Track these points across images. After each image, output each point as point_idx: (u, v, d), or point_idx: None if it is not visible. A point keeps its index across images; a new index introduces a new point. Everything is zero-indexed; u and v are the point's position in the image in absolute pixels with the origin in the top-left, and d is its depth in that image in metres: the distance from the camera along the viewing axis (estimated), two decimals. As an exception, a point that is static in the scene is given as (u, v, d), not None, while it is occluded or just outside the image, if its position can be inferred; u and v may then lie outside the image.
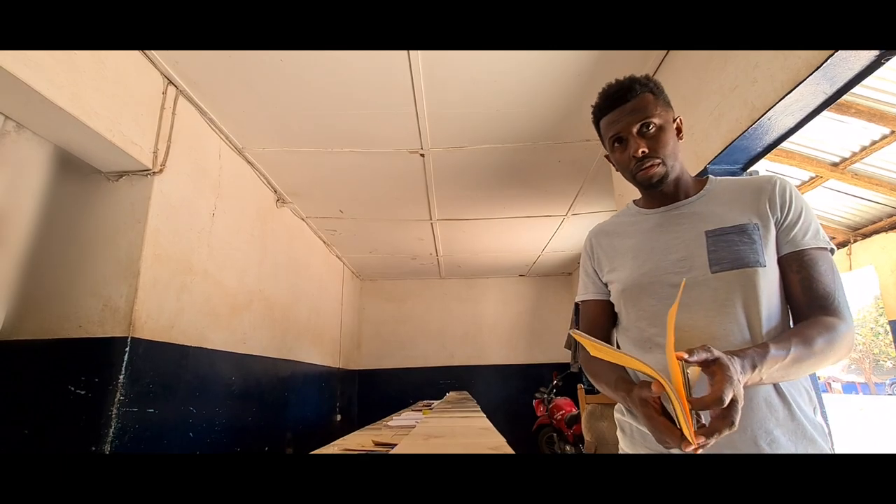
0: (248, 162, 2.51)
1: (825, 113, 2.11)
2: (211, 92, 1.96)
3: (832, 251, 0.79)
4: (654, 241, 0.88)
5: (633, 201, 0.99)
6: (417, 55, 1.75)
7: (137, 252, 1.68)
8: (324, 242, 3.91)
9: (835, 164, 2.73)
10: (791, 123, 1.40)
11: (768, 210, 0.80)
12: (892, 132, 2.37)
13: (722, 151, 1.54)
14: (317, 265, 3.81)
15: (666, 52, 1.78)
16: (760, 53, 1.33)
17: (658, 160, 0.85)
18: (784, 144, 2.20)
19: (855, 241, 3.74)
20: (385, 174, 2.69)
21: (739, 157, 1.57)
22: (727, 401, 0.55)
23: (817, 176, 2.95)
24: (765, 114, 1.33)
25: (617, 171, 0.94)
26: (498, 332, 5.40)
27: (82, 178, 1.76)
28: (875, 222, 3.51)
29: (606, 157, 0.97)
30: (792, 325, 0.78)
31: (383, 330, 5.37)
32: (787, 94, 1.24)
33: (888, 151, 2.53)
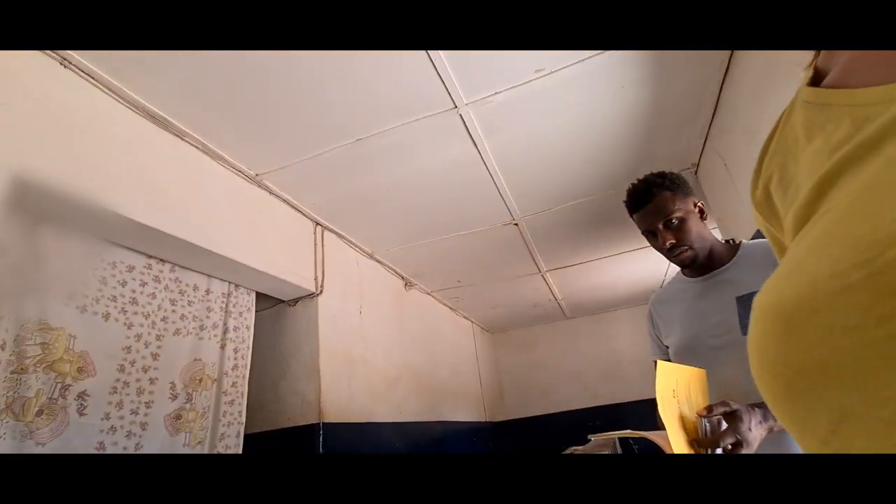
0: (378, 261, 3.09)
1: None
2: (345, 221, 2.57)
3: None
4: (696, 307, 1.04)
5: (681, 270, 1.15)
6: (484, 144, 2.03)
7: (316, 356, 2.25)
8: (450, 308, 4.37)
9: None
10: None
11: None
12: None
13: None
14: (448, 329, 4.25)
15: (718, 92, 1.86)
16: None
17: (685, 247, 1.02)
18: None
19: None
20: (488, 245, 3.05)
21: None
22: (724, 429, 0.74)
23: None
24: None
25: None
26: (641, 364, 5.16)
27: (272, 308, 2.44)
28: None
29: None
30: None
31: (522, 378, 5.54)
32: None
33: None
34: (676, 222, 1.02)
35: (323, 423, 2.13)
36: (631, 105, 1.93)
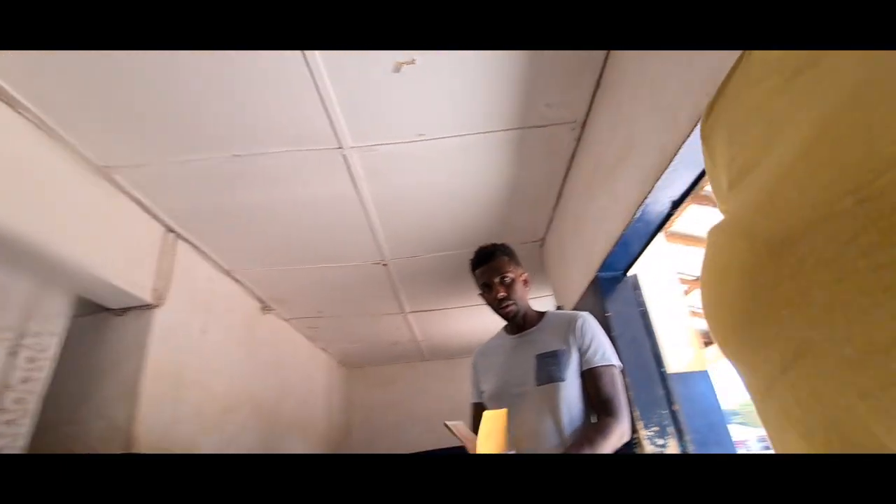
0: (236, 280, 2.91)
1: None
2: (205, 233, 2.40)
3: (617, 366, 1.15)
4: (508, 361, 1.25)
5: (503, 327, 1.37)
6: (363, 186, 2.13)
7: (137, 375, 2.01)
8: (308, 339, 4.22)
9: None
10: (657, 219, 1.46)
11: (571, 340, 1.18)
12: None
13: (606, 257, 1.93)
14: (302, 359, 4.09)
15: (562, 183, 2.26)
16: (625, 177, 1.73)
17: (512, 302, 1.24)
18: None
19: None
20: (354, 281, 3.09)
21: (620, 262, 1.93)
22: None
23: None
24: (635, 213, 1.40)
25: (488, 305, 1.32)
26: (484, 410, 5.51)
27: (92, 315, 2.13)
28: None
29: (480, 294, 1.36)
30: (592, 420, 1.12)
31: (373, 416, 5.49)
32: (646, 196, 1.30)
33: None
34: (508, 280, 1.25)
35: (132, 454, 1.88)
36: (495, 180, 2.23)
